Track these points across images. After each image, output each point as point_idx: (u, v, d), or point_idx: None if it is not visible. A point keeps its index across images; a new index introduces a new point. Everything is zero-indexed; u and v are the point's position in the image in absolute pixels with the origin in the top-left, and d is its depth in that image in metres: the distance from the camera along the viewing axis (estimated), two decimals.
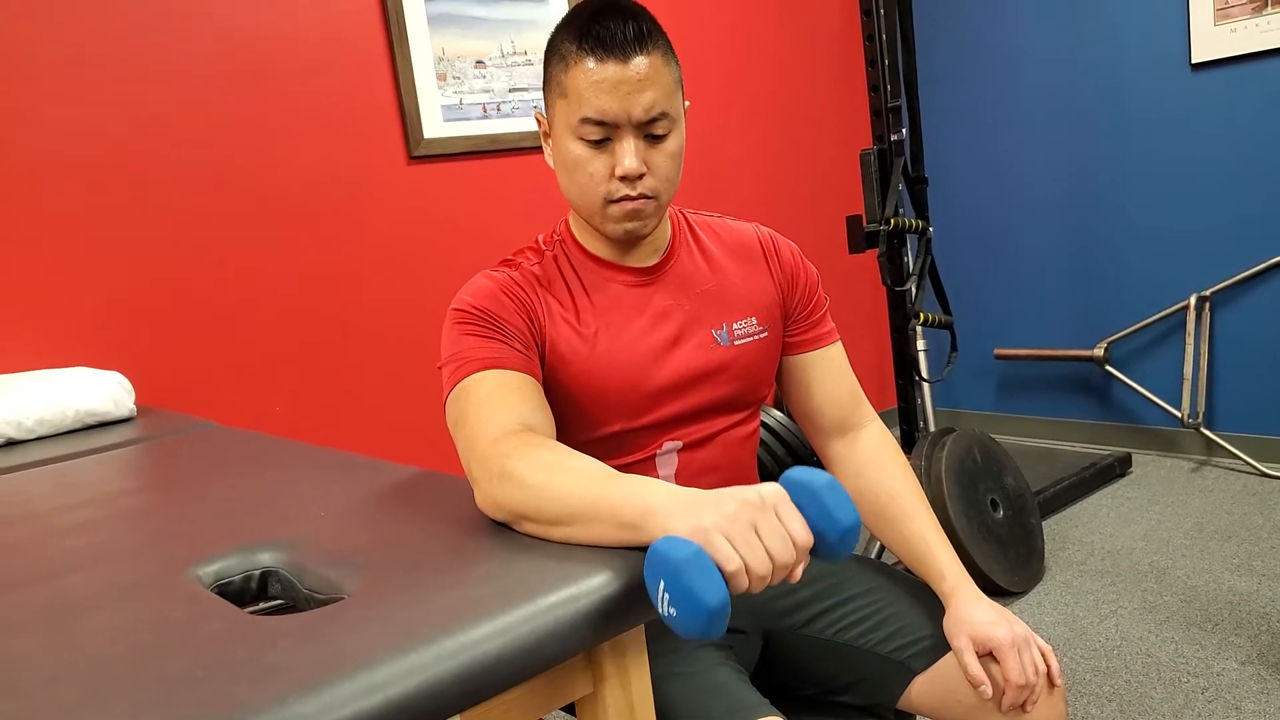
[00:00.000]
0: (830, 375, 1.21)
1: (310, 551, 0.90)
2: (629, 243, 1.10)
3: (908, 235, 2.42)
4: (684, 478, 1.14)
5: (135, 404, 1.80)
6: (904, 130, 2.38)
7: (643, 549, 0.78)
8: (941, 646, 1.09)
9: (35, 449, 1.59)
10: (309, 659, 0.66)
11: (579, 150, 1.03)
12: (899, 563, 1.20)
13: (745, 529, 0.71)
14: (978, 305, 3.64)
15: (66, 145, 2.07)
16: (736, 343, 1.14)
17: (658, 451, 1.12)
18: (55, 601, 0.84)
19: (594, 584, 0.75)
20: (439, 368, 1.05)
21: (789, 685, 1.16)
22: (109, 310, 2.13)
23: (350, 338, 2.49)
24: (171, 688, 0.63)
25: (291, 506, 1.05)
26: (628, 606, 0.76)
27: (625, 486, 0.78)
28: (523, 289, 1.07)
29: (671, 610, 0.68)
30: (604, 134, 1.01)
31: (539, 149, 2.76)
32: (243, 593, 0.91)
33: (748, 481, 1.20)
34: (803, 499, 0.75)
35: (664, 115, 1.02)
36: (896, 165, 2.32)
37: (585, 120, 1.01)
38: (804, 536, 0.72)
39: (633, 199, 1.03)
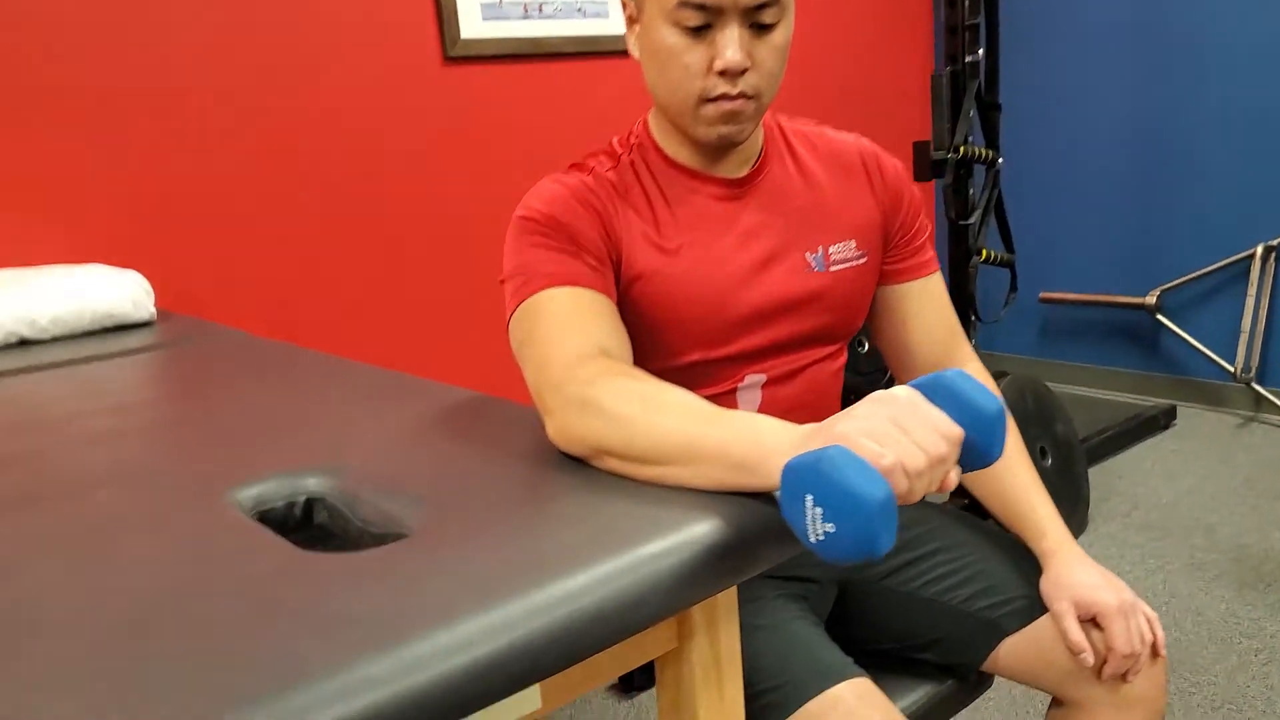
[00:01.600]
0: (930, 308, 1.10)
1: (361, 479, 0.80)
2: (720, 149, 0.98)
3: (975, 165, 2.28)
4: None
5: (155, 307, 1.70)
6: (980, 51, 2.22)
7: (754, 495, 0.68)
8: (1037, 608, 1.00)
9: (50, 350, 1.49)
10: (378, 608, 0.56)
11: (673, 38, 0.90)
12: (989, 518, 1.11)
13: (887, 426, 0.61)
14: (1024, 244, 3.48)
15: (90, 35, 1.93)
16: (833, 268, 1.02)
17: (739, 385, 1.01)
18: (79, 523, 0.74)
19: (701, 531, 0.65)
20: (501, 282, 0.95)
21: (863, 639, 1.08)
22: (128, 205, 2.02)
23: (383, 247, 2.37)
24: (224, 636, 0.54)
25: (337, 428, 0.95)
26: (739, 556, 0.66)
27: (735, 423, 0.69)
28: (598, 197, 0.96)
29: (828, 527, 0.58)
30: (704, 19, 0.89)
31: (584, 55, 2.60)
32: (285, 520, 0.82)
33: None
34: (935, 396, 0.65)
35: (774, 1, 0.89)
36: (970, 89, 2.17)
37: (684, 4, 0.88)
38: (951, 426, 0.63)
39: (732, 98, 0.91)
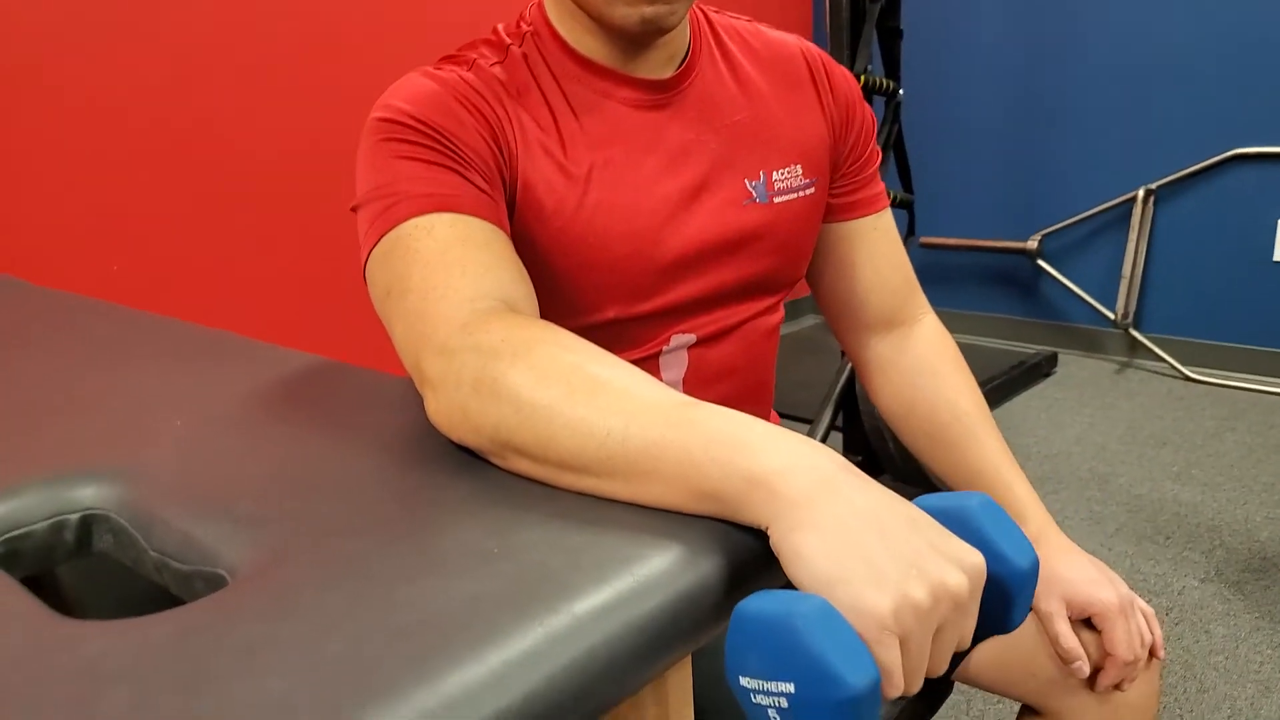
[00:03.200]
0: (883, 251, 0.92)
1: (163, 487, 0.57)
2: (642, 39, 0.76)
3: (874, 96, 2.13)
4: (693, 384, 0.84)
5: None
6: None
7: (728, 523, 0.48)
8: None
9: None
10: None
11: None
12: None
13: (927, 634, 0.42)
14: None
15: None
16: (776, 200, 0.83)
17: (664, 349, 0.81)
18: None
19: (663, 568, 0.45)
20: (353, 209, 0.71)
21: None
22: None
23: (216, 177, 2.05)
24: None
25: (134, 410, 0.70)
26: (718, 604, 0.46)
27: (709, 424, 0.47)
28: (483, 98, 0.73)
29: (774, 716, 0.42)
30: None
31: None
32: (51, 551, 0.58)
33: (766, 392, 0.91)
34: (1001, 574, 0.47)
35: None
36: (871, 13, 2.01)
37: None
38: (965, 644, 0.46)
39: None
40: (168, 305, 1.97)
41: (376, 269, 0.66)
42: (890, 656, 0.41)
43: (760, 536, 0.47)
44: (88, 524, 0.58)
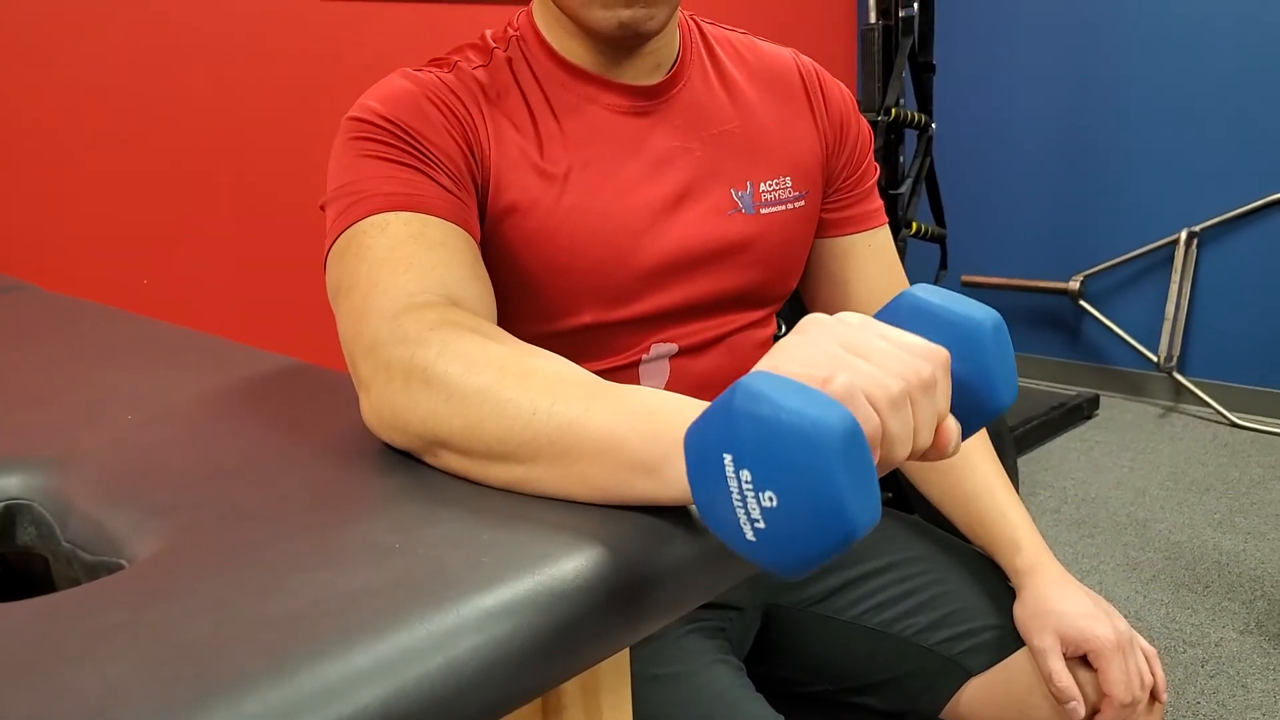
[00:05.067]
0: (877, 269, 0.88)
1: (87, 478, 0.55)
2: (624, 44, 0.74)
3: (906, 130, 2.10)
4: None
5: None
6: (914, 6, 2.03)
7: (649, 509, 0.45)
8: (1009, 642, 0.80)
9: None
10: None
11: None
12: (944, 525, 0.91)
13: (834, 349, 0.42)
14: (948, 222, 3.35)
15: None
16: (763, 211, 0.80)
17: (643, 357, 0.79)
18: None
19: (572, 571, 0.42)
20: (321, 207, 0.70)
21: (790, 679, 0.87)
22: None
23: (255, 201, 2.07)
24: None
25: (88, 404, 0.69)
26: (633, 608, 0.43)
27: (628, 401, 0.46)
28: (458, 98, 0.71)
29: (766, 500, 0.36)
30: None
31: None
32: None
33: None
34: (961, 350, 0.44)
35: None
36: (903, 47, 1.99)
37: None
38: (930, 346, 0.43)
39: None
40: (193, 319, 1.99)
41: (332, 267, 0.64)
42: (864, 412, 0.39)
43: (681, 517, 0.44)
44: (11, 514, 0.56)
